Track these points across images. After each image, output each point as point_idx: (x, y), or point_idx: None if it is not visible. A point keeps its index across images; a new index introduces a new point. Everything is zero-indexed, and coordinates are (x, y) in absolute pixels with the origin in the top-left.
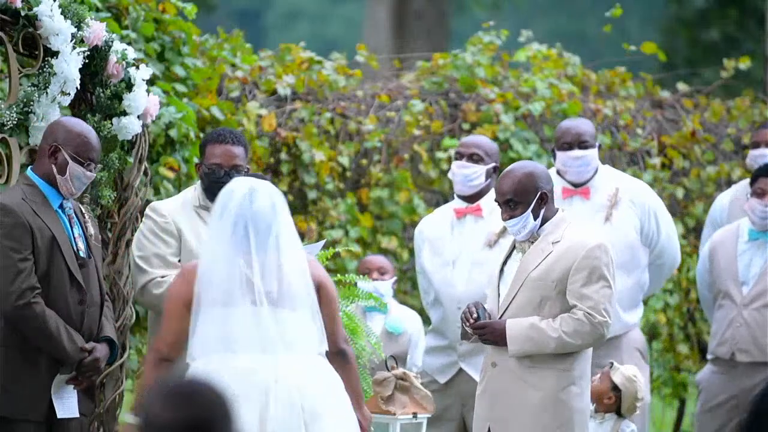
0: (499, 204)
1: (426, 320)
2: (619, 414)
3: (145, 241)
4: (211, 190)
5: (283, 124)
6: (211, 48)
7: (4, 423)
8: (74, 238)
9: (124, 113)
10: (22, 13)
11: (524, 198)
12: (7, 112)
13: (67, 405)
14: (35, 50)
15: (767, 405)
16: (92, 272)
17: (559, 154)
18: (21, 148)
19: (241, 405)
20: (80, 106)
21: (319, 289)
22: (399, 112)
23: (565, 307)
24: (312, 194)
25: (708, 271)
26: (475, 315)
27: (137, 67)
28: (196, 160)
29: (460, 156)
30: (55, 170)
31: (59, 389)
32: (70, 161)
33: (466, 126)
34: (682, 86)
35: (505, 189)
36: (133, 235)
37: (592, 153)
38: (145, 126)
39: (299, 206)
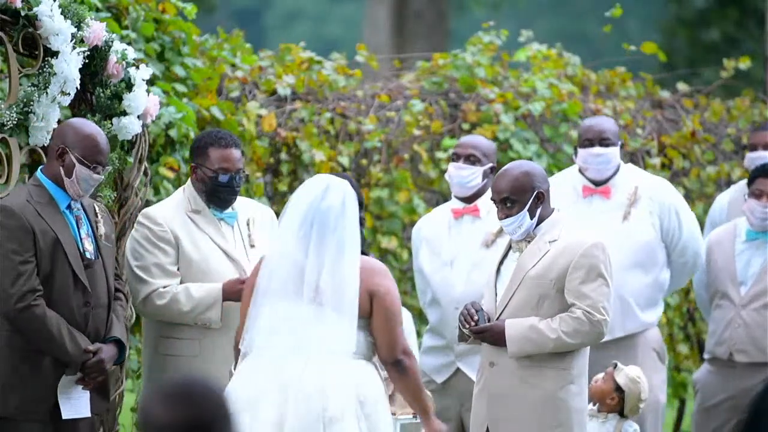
0: (495, 203)
1: (424, 320)
2: (622, 414)
3: (141, 251)
4: (216, 194)
5: (283, 124)
6: (211, 48)
7: (9, 424)
8: (81, 239)
9: (124, 113)
10: (22, 13)
11: (520, 197)
12: (7, 112)
13: (75, 405)
14: (35, 50)
15: (767, 405)
16: (99, 273)
17: (581, 151)
18: (21, 148)
19: (260, 401)
20: (80, 106)
21: (372, 298)
22: (399, 112)
23: (563, 306)
24: None
25: (704, 271)
26: (475, 318)
27: (137, 67)
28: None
29: (456, 157)
30: (62, 172)
31: (68, 389)
32: (77, 163)
33: (466, 126)
34: (682, 86)
35: (502, 188)
36: None
37: (614, 151)
38: (145, 126)
39: None
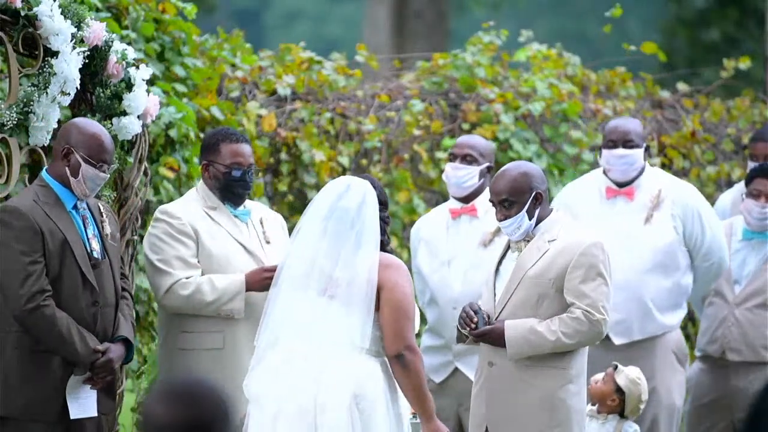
0: (493, 204)
1: (424, 320)
2: (622, 415)
3: (162, 245)
4: (229, 189)
5: (283, 124)
6: (211, 48)
7: (18, 424)
8: (88, 238)
9: (124, 113)
10: (22, 13)
11: (519, 198)
12: (7, 112)
13: (83, 405)
14: (35, 50)
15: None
16: (106, 272)
17: (605, 152)
18: (21, 148)
19: (264, 393)
20: (80, 106)
21: (380, 291)
22: (399, 112)
23: (562, 305)
24: (312, 194)
25: None
26: (475, 320)
27: (137, 67)
28: (196, 160)
29: (453, 157)
30: (68, 172)
31: (76, 389)
32: (82, 163)
33: (466, 126)
34: (682, 86)
35: (500, 189)
36: (133, 235)
37: (638, 153)
38: (145, 126)
39: (299, 206)
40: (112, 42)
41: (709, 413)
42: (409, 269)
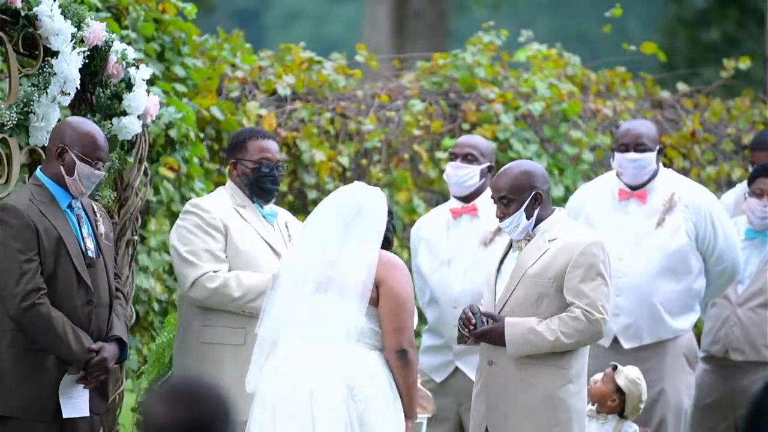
0: (494, 201)
1: (424, 320)
2: (621, 416)
3: (191, 237)
4: (259, 185)
5: (283, 124)
6: (211, 48)
7: (13, 424)
8: (83, 237)
9: (124, 113)
10: (22, 13)
11: (518, 196)
12: (7, 112)
13: (76, 404)
14: (35, 50)
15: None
16: (101, 272)
17: (617, 156)
18: (21, 148)
19: (261, 388)
20: (80, 106)
21: (379, 287)
22: (399, 112)
23: (562, 305)
24: (312, 194)
25: None
26: (473, 321)
27: (137, 67)
28: (196, 160)
29: (454, 156)
30: (63, 171)
31: (68, 389)
32: (77, 161)
33: (466, 126)
34: (682, 86)
35: (500, 186)
36: (133, 235)
37: (650, 156)
38: (145, 126)
39: (299, 206)
40: (112, 42)
41: (713, 413)
42: (409, 269)
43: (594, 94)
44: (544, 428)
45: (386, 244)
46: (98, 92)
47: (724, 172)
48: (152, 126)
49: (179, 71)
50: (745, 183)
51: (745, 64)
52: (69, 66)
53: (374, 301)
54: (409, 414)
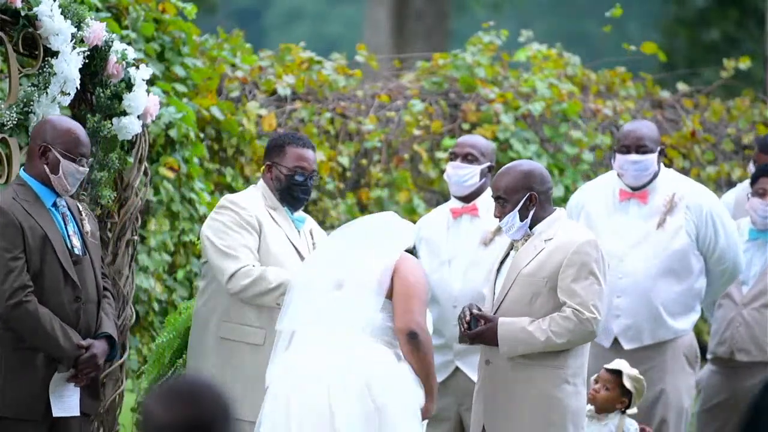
0: (494, 200)
1: None
2: (623, 412)
3: (229, 231)
4: (290, 193)
5: (283, 124)
6: (211, 48)
7: (2, 423)
8: (68, 235)
9: (124, 113)
10: (22, 13)
11: (511, 196)
12: (7, 112)
13: (66, 404)
14: (35, 50)
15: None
16: (88, 269)
17: (618, 157)
18: (21, 148)
19: (274, 386)
20: (80, 106)
21: (394, 275)
22: (399, 112)
23: (556, 304)
24: (312, 194)
25: None
26: (467, 320)
27: (137, 67)
28: (196, 160)
29: (454, 156)
30: (47, 170)
31: (59, 388)
32: (61, 159)
33: (466, 126)
34: (682, 86)
35: (497, 185)
36: (133, 235)
37: (651, 158)
38: (145, 126)
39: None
40: (112, 42)
41: (719, 414)
42: None
43: (594, 94)
44: (540, 428)
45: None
46: (98, 92)
47: (724, 172)
48: (152, 126)
49: (179, 71)
50: (745, 183)
51: (745, 64)
52: (69, 66)
53: (390, 294)
54: (429, 395)
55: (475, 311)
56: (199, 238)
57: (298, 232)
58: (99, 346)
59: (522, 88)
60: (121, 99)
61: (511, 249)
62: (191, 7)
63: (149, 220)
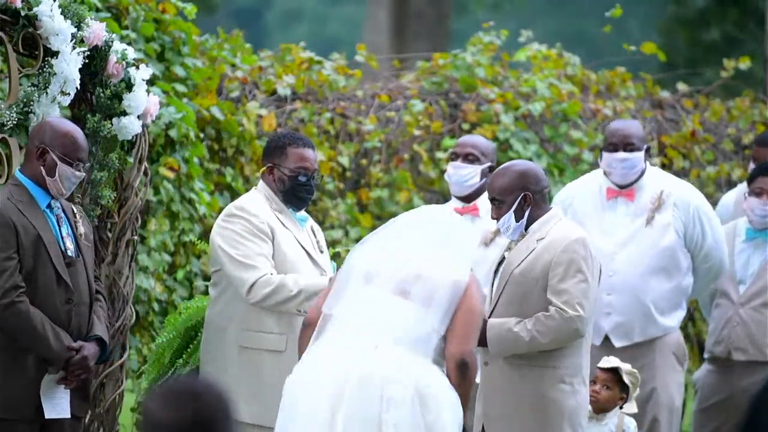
0: (489, 201)
1: None
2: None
3: (243, 241)
4: (294, 193)
5: (283, 124)
6: (211, 48)
7: None
8: (62, 237)
9: (124, 113)
10: (22, 13)
11: (505, 197)
12: (7, 112)
13: (57, 405)
14: (35, 50)
15: (766, 402)
16: (80, 271)
17: (605, 155)
18: (21, 148)
19: (315, 385)
20: (80, 106)
21: (462, 294)
22: (399, 112)
23: (548, 303)
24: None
25: None
26: None
27: (137, 67)
28: (196, 160)
29: (455, 156)
30: (43, 172)
31: (50, 390)
32: (58, 162)
33: (466, 126)
34: (682, 86)
35: (492, 187)
36: (133, 235)
37: (638, 156)
38: (145, 126)
39: None
40: (112, 42)
41: (717, 413)
42: None
43: (594, 94)
44: (536, 427)
45: None
46: (98, 92)
47: (724, 172)
48: (152, 126)
49: (179, 71)
50: (745, 184)
51: (745, 64)
52: (69, 66)
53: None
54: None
55: None
56: (199, 239)
57: (306, 232)
58: (89, 349)
59: (522, 88)
60: (121, 99)
61: (508, 249)
62: (191, 7)
63: (149, 220)
